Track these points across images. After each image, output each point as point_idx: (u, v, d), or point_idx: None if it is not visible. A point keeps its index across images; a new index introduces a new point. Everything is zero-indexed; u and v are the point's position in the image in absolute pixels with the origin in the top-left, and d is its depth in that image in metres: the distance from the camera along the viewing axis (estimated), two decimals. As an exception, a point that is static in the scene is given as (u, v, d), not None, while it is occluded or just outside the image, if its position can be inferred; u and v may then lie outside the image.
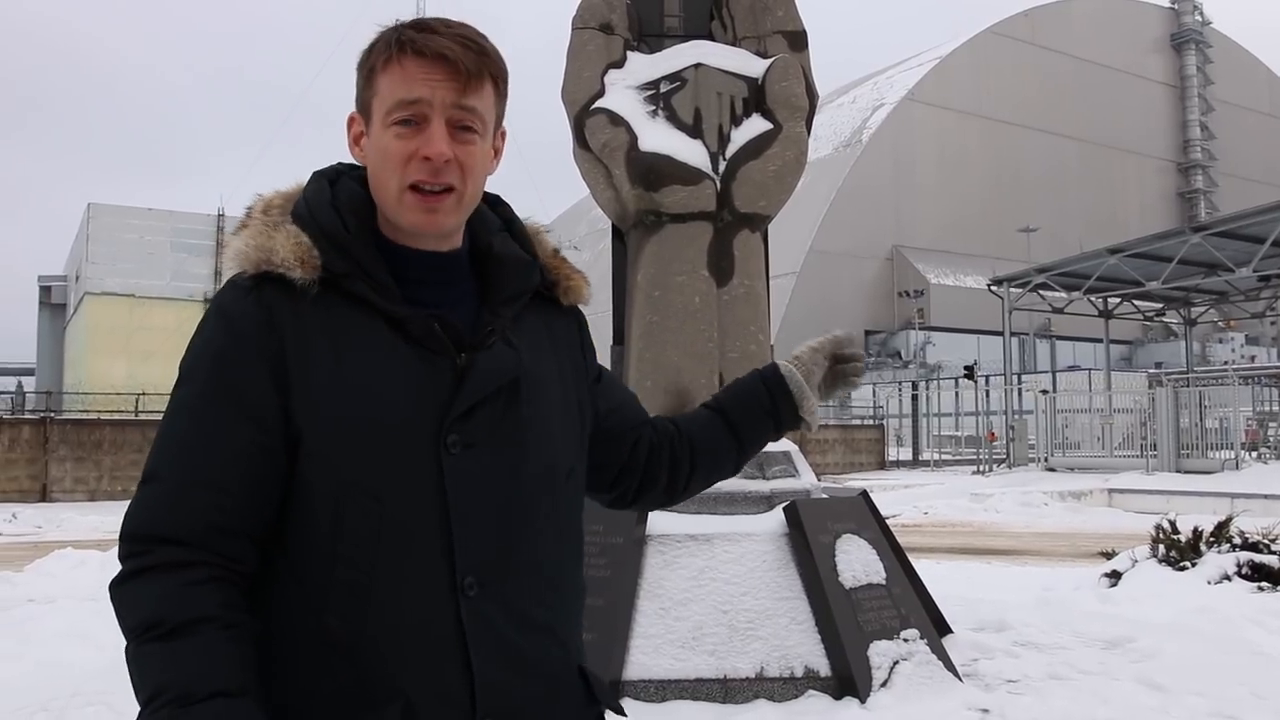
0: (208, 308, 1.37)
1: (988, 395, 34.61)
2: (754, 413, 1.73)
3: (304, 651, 1.28)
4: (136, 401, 26.78)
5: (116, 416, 25.94)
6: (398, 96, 1.30)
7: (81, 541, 12.98)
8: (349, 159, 1.46)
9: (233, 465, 1.27)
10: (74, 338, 43.25)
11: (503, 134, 1.43)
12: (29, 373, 48.87)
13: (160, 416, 1.36)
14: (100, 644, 6.78)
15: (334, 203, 1.37)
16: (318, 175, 1.44)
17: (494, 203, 1.52)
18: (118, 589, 1.27)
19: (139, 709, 1.20)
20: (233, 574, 1.27)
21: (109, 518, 17.83)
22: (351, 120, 1.40)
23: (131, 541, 1.27)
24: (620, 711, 1.55)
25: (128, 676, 1.27)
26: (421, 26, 1.32)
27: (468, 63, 1.31)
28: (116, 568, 1.29)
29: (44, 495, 23.10)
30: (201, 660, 1.19)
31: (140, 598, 1.24)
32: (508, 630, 1.31)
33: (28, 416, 25.53)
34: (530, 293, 1.45)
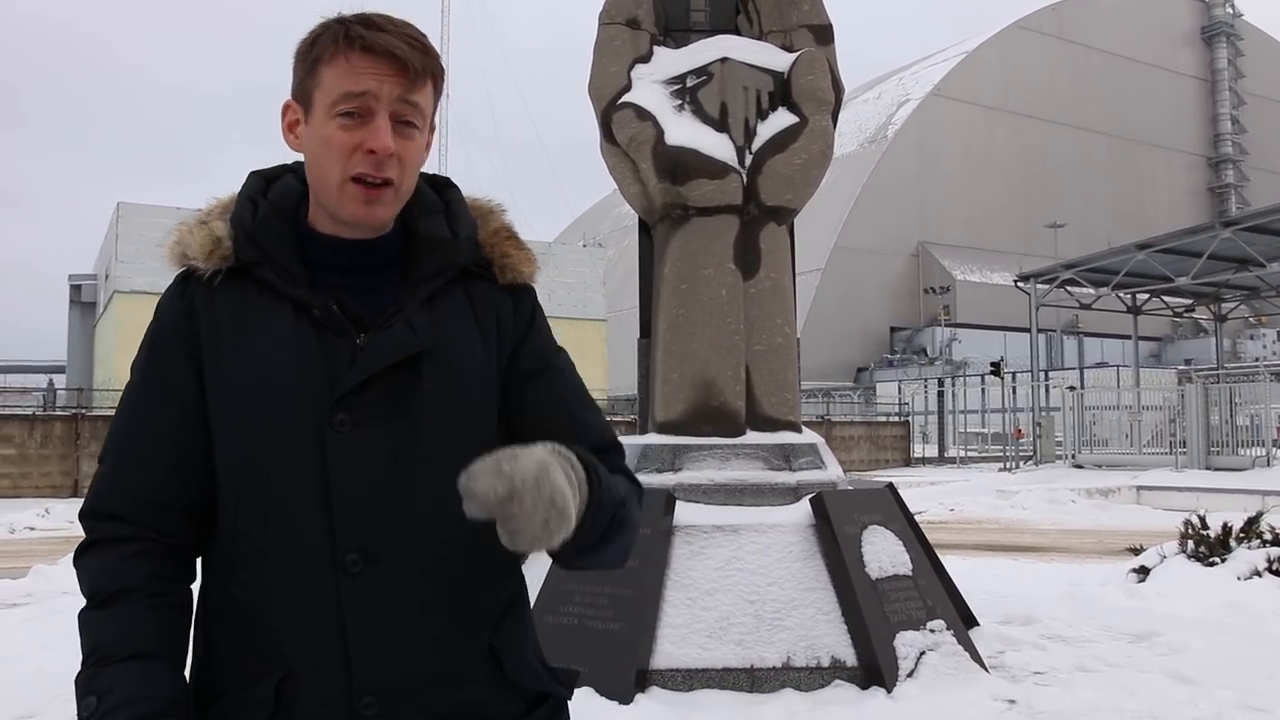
0: None
1: (1014, 392, 34.40)
2: None
3: (220, 617, 1.38)
4: (166, 398, 27.05)
5: (146, 413, 26.16)
6: (344, 89, 1.33)
7: (114, 535, 13.16)
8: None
9: (161, 444, 1.37)
10: (103, 336, 43.69)
11: (432, 129, 1.45)
12: (59, 370, 49.42)
13: None
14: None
15: (254, 196, 1.44)
16: (254, 174, 1.50)
17: (442, 186, 1.53)
18: (77, 561, 1.39)
19: None
20: (164, 546, 1.37)
21: (140, 512, 18.04)
22: (287, 108, 1.42)
23: (85, 518, 1.40)
24: (566, 694, 1.50)
25: None
26: (369, 23, 1.35)
27: (414, 61, 1.34)
28: None
29: (75, 491, 23.37)
30: (121, 627, 1.31)
31: (88, 570, 1.36)
32: (396, 608, 1.33)
33: (59, 413, 25.83)
34: (453, 270, 1.44)
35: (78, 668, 1.33)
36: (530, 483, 1.14)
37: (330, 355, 1.36)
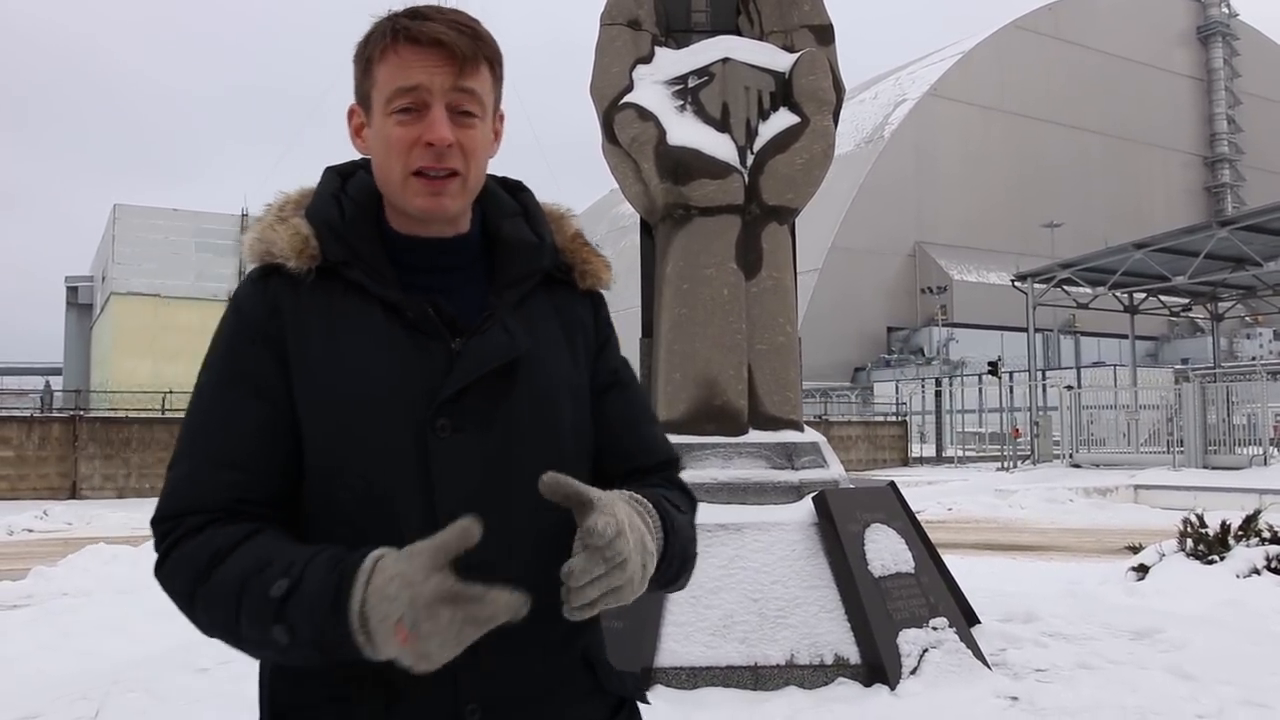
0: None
1: (1012, 392, 34.46)
2: None
3: None
4: (163, 400, 27.04)
5: (143, 415, 26.17)
6: (396, 84, 1.32)
7: (112, 537, 13.15)
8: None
9: (248, 442, 1.31)
10: (100, 337, 43.69)
11: (501, 117, 1.44)
12: (56, 372, 49.38)
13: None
14: (136, 635, 6.90)
15: (337, 194, 1.41)
16: (330, 170, 1.47)
17: (514, 188, 1.52)
18: (161, 568, 1.29)
19: (242, 617, 1.20)
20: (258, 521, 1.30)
21: (137, 514, 18.02)
22: (352, 112, 1.41)
23: (160, 523, 1.30)
24: (643, 699, 1.50)
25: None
26: (415, 14, 1.34)
27: (462, 47, 1.32)
28: (150, 561, 1.33)
29: (73, 493, 23.39)
30: (257, 551, 1.23)
31: (185, 558, 1.25)
32: None
33: (57, 415, 25.82)
34: (538, 275, 1.44)
35: (199, 636, 1.26)
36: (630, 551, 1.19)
37: (425, 359, 1.33)
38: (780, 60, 5.81)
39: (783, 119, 5.63)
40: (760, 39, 6.02)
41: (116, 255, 39.65)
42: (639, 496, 1.31)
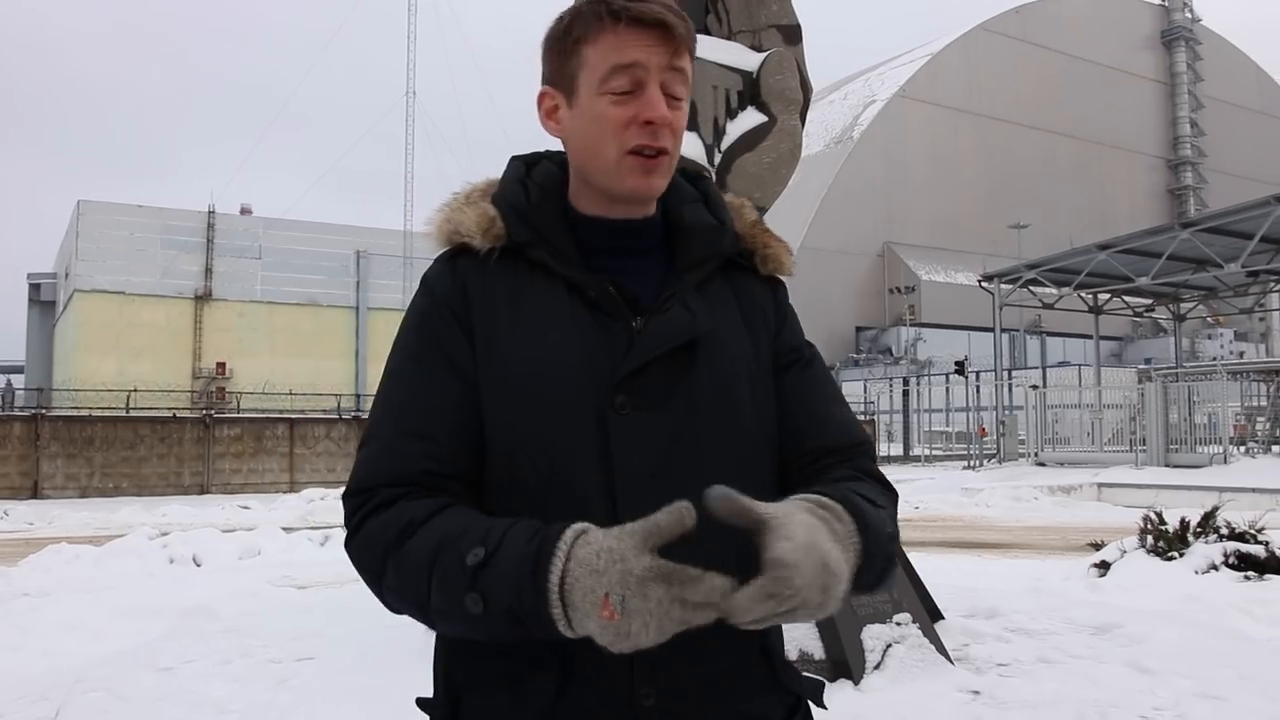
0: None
1: (978, 391, 34.77)
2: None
3: None
4: (127, 399, 26.77)
5: (107, 413, 25.88)
6: (611, 63, 1.32)
7: (74, 537, 13.01)
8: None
9: (440, 416, 1.31)
10: (63, 335, 43.11)
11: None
12: (18, 370, 48.73)
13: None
14: (98, 634, 6.83)
15: (523, 180, 1.43)
16: (515, 159, 1.49)
17: (693, 178, 1.53)
18: (352, 541, 1.28)
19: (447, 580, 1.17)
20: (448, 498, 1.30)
21: (100, 514, 17.83)
22: (544, 95, 1.41)
23: (353, 496, 1.30)
24: (819, 703, 1.43)
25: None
26: None
27: (679, 27, 1.33)
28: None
29: (35, 492, 23.07)
30: (454, 521, 1.22)
31: (378, 529, 1.25)
32: None
33: (18, 414, 25.47)
34: (719, 259, 1.44)
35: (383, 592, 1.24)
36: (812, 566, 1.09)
37: (608, 337, 1.33)
38: (748, 59, 5.84)
39: (750, 118, 5.66)
40: (728, 38, 6.05)
41: (80, 252, 39.09)
42: (826, 500, 1.21)
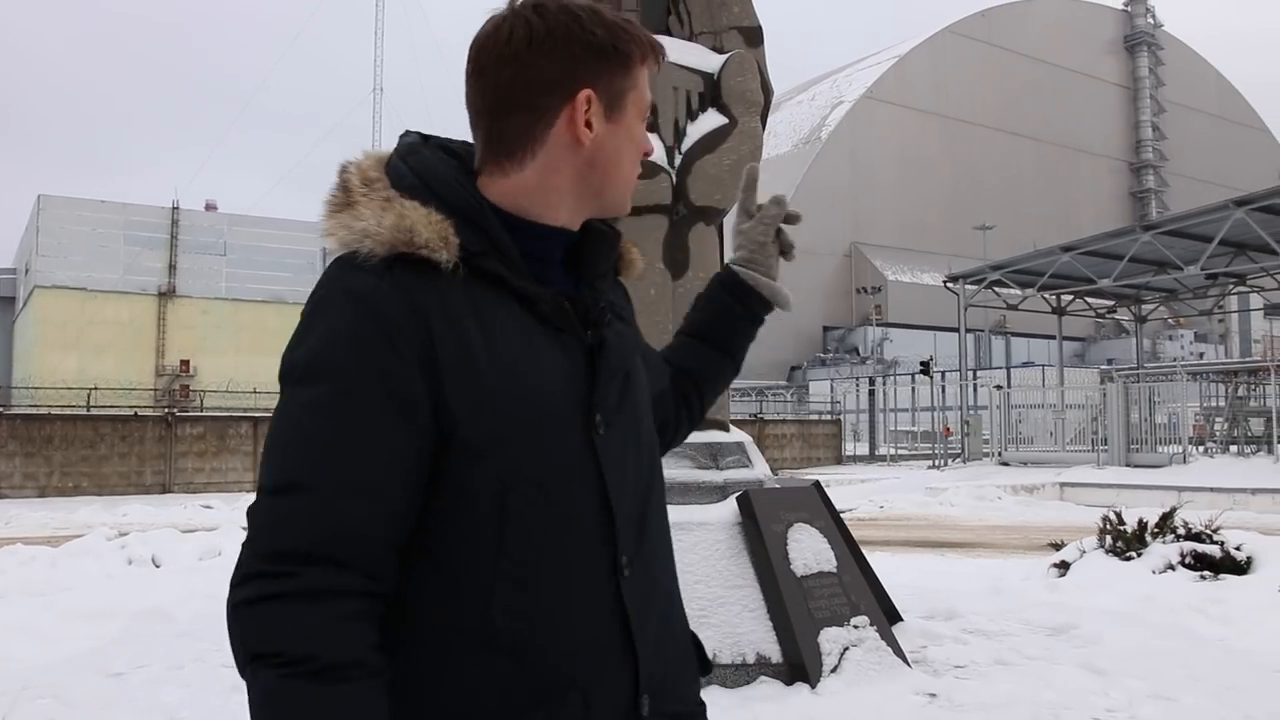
0: (322, 293, 1.22)
1: (943, 391, 35.03)
2: (733, 324, 1.69)
3: (459, 655, 1.21)
4: (88, 396, 26.38)
5: (67, 411, 25.51)
6: (649, 98, 1.40)
7: (31, 538, 12.80)
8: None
9: (393, 469, 1.17)
10: (23, 332, 42.48)
11: None
12: (-24, 367, 47.90)
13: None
14: (49, 639, 6.71)
15: (459, 178, 1.29)
16: (434, 147, 1.34)
17: None
18: (247, 609, 1.13)
19: None
20: (379, 602, 1.18)
21: (59, 514, 17.57)
22: (589, 101, 1.30)
23: (273, 560, 1.13)
24: (708, 672, 1.56)
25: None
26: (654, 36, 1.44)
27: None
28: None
29: (-7, 491, 22.73)
30: (357, 713, 1.12)
31: (281, 625, 1.12)
32: (654, 604, 1.33)
33: (-24, 412, 25.04)
34: (613, 264, 1.48)
35: None
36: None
37: (568, 355, 1.29)
38: (709, 61, 5.83)
39: (711, 120, 5.66)
40: (690, 40, 6.04)
41: (41, 247, 38.54)
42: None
